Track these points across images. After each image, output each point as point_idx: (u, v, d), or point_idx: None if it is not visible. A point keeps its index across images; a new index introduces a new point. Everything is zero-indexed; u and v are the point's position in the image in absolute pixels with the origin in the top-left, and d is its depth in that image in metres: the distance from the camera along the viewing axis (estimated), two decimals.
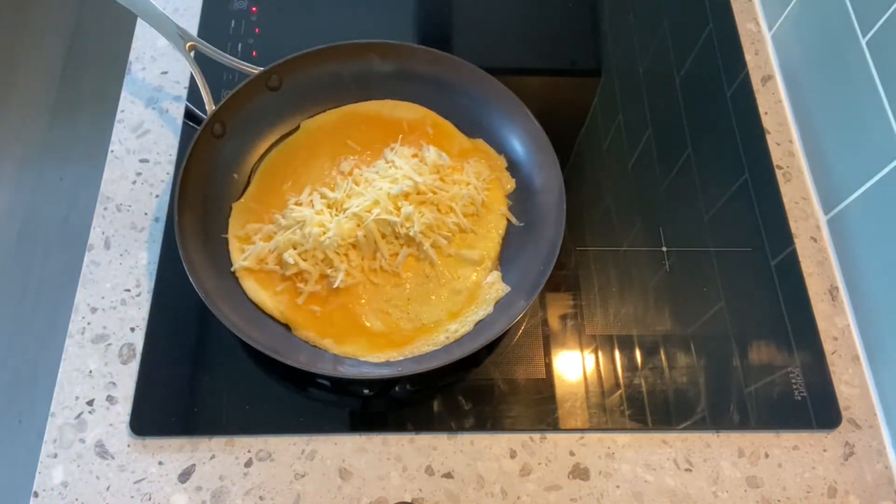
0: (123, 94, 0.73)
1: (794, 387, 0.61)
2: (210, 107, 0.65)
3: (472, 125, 0.70)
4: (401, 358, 0.59)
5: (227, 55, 0.68)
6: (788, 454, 0.59)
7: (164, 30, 0.66)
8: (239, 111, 0.66)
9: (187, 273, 0.56)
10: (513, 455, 0.58)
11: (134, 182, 0.68)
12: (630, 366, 0.62)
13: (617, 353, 0.62)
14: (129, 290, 0.63)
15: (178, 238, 0.57)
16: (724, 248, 0.68)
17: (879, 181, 0.62)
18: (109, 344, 0.60)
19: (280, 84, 0.68)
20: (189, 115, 0.71)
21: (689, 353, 0.62)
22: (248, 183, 0.66)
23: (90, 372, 0.59)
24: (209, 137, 0.64)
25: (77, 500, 0.54)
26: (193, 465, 0.56)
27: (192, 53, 0.67)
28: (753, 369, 0.62)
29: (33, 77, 1.81)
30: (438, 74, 0.70)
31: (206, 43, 0.67)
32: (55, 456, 0.56)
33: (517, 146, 0.68)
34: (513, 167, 0.68)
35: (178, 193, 0.59)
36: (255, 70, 0.67)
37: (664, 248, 0.68)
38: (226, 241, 0.63)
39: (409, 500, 0.55)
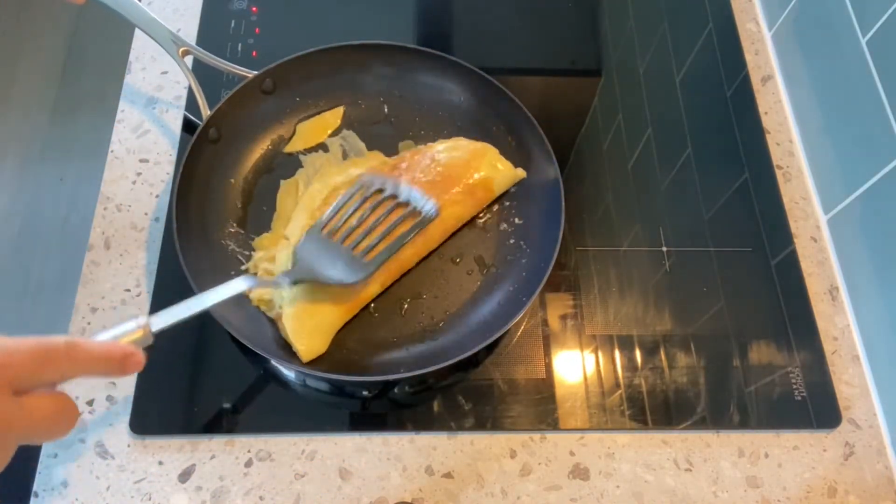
0: (123, 93, 0.73)
1: (794, 387, 0.61)
2: (205, 111, 0.65)
3: (470, 125, 0.70)
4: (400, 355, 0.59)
5: (219, 59, 0.67)
6: (788, 454, 0.59)
7: (156, 35, 0.66)
8: (233, 116, 0.66)
9: (188, 278, 0.56)
10: (513, 455, 0.58)
11: (134, 182, 0.68)
12: (630, 366, 0.62)
13: (617, 353, 0.62)
14: (129, 290, 0.63)
15: (178, 244, 0.57)
16: (724, 248, 0.68)
17: (879, 181, 0.62)
18: None
19: (274, 87, 0.68)
20: (187, 120, 0.71)
21: (689, 353, 0.62)
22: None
23: None
24: (205, 143, 0.64)
25: (77, 500, 0.54)
26: (193, 465, 0.56)
27: (188, 59, 0.67)
28: (753, 369, 0.62)
29: (33, 77, 1.81)
30: (436, 75, 0.70)
31: (199, 48, 0.67)
32: (55, 456, 0.56)
33: (516, 146, 0.68)
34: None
35: (175, 201, 0.59)
36: (249, 74, 0.67)
37: (664, 248, 0.68)
38: (225, 244, 0.62)
39: (409, 500, 0.55)
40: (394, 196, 0.62)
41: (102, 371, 0.39)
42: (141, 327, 0.43)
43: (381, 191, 0.62)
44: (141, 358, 0.40)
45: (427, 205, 0.61)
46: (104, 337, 0.42)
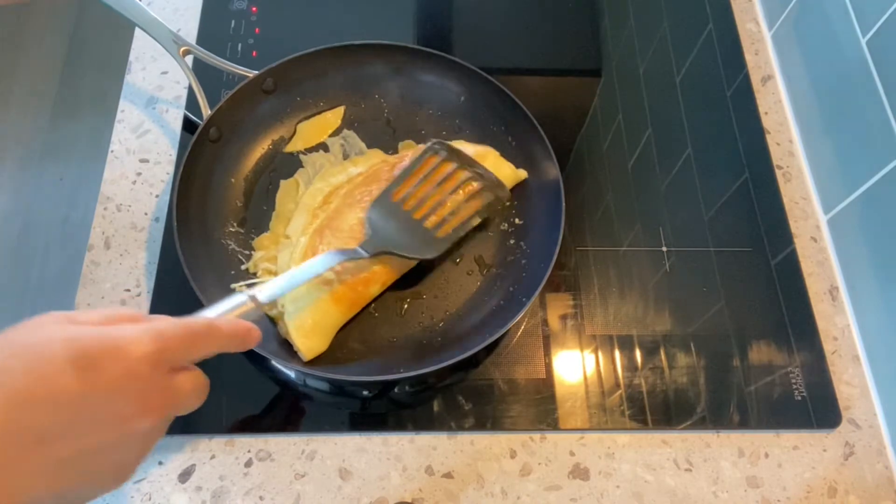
0: (123, 93, 0.73)
1: (794, 387, 0.61)
2: (206, 111, 0.65)
3: (470, 125, 0.70)
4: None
5: (220, 59, 0.67)
6: (788, 454, 0.59)
7: (157, 34, 0.66)
8: (234, 115, 0.66)
9: (188, 277, 0.56)
10: (513, 455, 0.58)
11: (134, 182, 0.68)
12: (630, 366, 0.62)
13: (617, 353, 0.62)
14: (129, 290, 0.63)
15: (178, 244, 0.57)
16: (724, 248, 0.68)
17: (879, 181, 0.62)
18: None
19: (275, 87, 0.68)
20: (188, 119, 0.71)
21: (689, 353, 0.62)
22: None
23: None
24: (205, 142, 0.64)
25: None
26: (193, 465, 0.56)
27: (189, 58, 0.67)
28: (753, 369, 0.62)
29: (33, 77, 1.81)
30: (436, 75, 0.70)
31: (199, 48, 0.67)
32: None
33: (516, 146, 0.68)
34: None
35: (175, 201, 0.59)
36: (250, 73, 0.67)
37: (664, 248, 0.68)
38: (225, 244, 0.63)
39: (409, 500, 0.55)
40: (463, 168, 0.62)
41: (231, 347, 0.42)
42: (251, 299, 0.46)
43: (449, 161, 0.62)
44: (258, 333, 0.44)
45: (499, 185, 0.62)
46: (217, 312, 0.45)
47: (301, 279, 0.53)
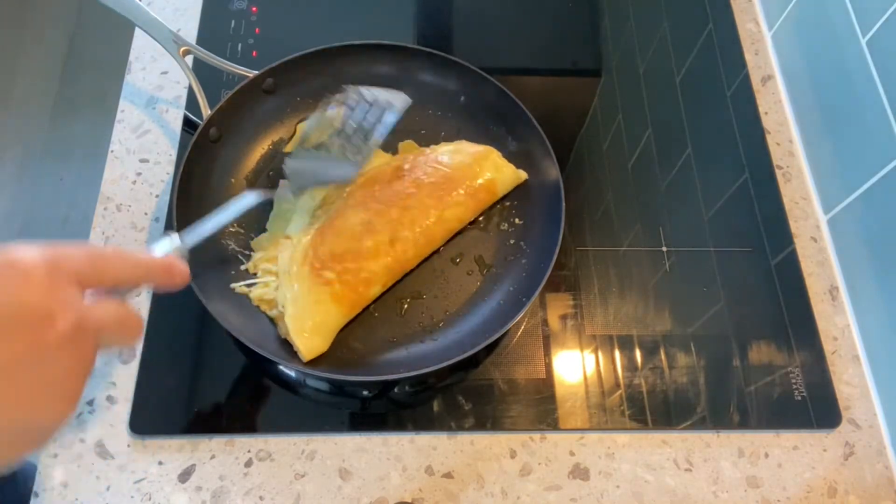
0: (123, 93, 0.73)
1: (794, 387, 0.61)
2: (206, 111, 0.65)
3: (470, 125, 0.70)
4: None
5: (220, 59, 0.67)
6: (788, 454, 0.59)
7: (157, 34, 0.66)
8: (234, 115, 0.66)
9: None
10: (513, 455, 0.58)
11: (134, 182, 0.68)
12: (630, 366, 0.62)
13: (617, 353, 0.62)
14: None
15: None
16: (724, 248, 0.68)
17: (879, 181, 0.62)
18: None
19: (275, 87, 0.68)
20: (188, 119, 0.71)
21: (689, 353, 0.62)
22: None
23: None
24: (205, 142, 0.64)
25: (77, 500, 0.54)
26: (193, 465, 0.56)
27: (189, 58, 0.67)
28: (753, 369, 0.62)
29: (33, 77, 1.81)
30: (436, 75, 0.70)
31: (199, 48, 0.67)
32: (55, 456, 0.56)
33: (515, 146, 0.68)
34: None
35: (176, 200, 0.59)
36: (250, 73, 0.67)
37: (664, 248, 0.68)
38: (225, 244, 0.62)
39: (409, 500, 0.55)
40: (360, 100, 0.62)
41: (154, 278, 0.42)
42: (174, 244, 0.47)
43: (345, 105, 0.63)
44: (186, 268, 0.43)
45: (397, 97, 0.61)
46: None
47: (226, 219, 0.55)
